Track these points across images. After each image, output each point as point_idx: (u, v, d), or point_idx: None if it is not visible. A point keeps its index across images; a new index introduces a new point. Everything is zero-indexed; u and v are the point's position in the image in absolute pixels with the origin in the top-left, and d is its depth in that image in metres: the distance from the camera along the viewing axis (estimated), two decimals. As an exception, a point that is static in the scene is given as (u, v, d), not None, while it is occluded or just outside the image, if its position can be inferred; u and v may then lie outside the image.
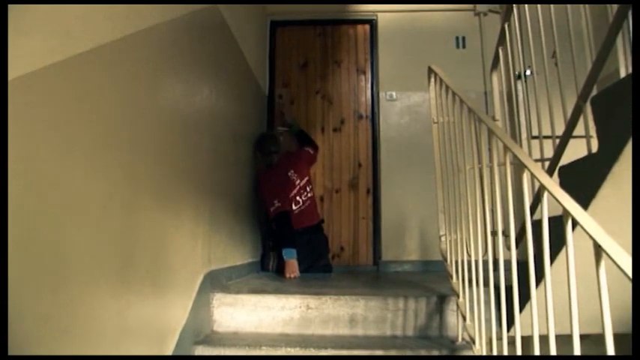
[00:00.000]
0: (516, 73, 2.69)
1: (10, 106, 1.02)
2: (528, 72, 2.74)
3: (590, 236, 1.13)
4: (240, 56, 3.51)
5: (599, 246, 1.08)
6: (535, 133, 2.38)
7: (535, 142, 2.37)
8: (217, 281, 2.73)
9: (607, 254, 1.06)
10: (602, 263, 1.09)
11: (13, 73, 1.02)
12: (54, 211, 1.24)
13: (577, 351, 1.26)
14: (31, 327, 1.15)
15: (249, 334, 2.51)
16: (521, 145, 2.52)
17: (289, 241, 3.72)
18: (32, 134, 1.14)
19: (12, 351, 1.07)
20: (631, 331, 1.05)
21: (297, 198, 4.07)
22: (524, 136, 2.79)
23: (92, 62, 1.40)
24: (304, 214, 4.06)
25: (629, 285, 1.01)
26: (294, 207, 3.99)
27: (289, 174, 4.07)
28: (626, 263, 1.00)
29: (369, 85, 4.79)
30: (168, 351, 2.03)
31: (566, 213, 1.26)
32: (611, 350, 1.11)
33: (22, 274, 1.10)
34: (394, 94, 4.69)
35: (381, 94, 4.71)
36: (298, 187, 4.10)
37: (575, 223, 1.24)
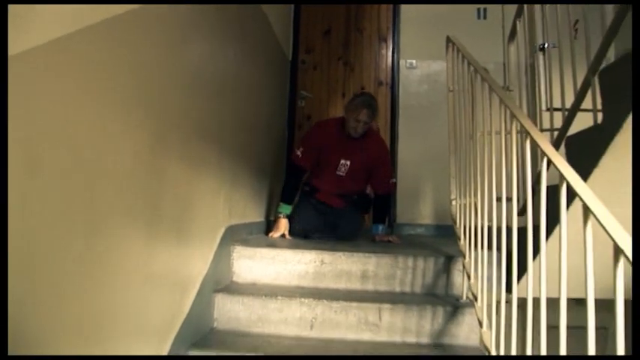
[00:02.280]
0: (536, 45, 2.69)
1: (50, 68, 1.10)
2: (548, 44, 2.73)
3: (579, 196, 1.18)
4: (265, 21, 3.53)
5: (587, 207, 1.13)
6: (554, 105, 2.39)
7: (555, 113, 2.37)
8: (237, 235, 2.82)
9: (594, 215, 1.11)
10: (589, 224, 1.14)
11: (45, 38, 1.09)
12: (89, 163, 1.31)
13: (563, 313, 1.31)
14: (67, 265, 1.24)
15: (267, 285, 2.61)
16: (540, 117, 2.54)
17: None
18: (68, 94, 1.21)
19: (48, 291, 1.17)
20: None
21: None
22: (543, 107, 2.79)
23: (128, 25, 1.46)
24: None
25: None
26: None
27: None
28: (612, 225, 1.05)
29: (390, 53, 4.77)
30: (190, 297, 2.12)
31: (561, 177, 1.30)
32: (592, 312, 1.16)
33: (58, 217, 1.19)
34: (414, 62, 4.67)
35: (402, 62, 4.70)
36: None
37: (569, 189, 1.28)
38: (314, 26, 4.79)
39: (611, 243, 1.03)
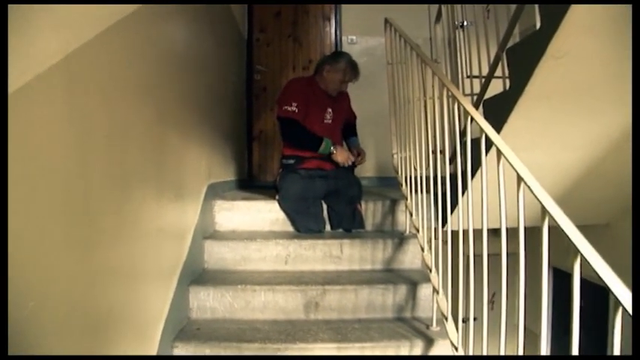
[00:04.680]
0: (457, 23, 2.93)
1: (92, 66, 1.28)
2: (467, 23, 2.97)
3: (494, 143, 1.46)
4: (227, 8, 3.66)
5: (500, 151, 1.42)
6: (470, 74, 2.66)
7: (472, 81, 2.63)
8: (217, 192, 3.01)
9: (504, 156, 1.40)
10: (501, 163, 1.43)
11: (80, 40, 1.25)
12: (120, 132, 1.49)
13: (485, 240, 1.59)
14: (104, 218, 1.39)
15: (245, 231, 2.83)
16: (461, 83, 2.80)
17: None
18: (104, 84, 1.39)
19: (102, 238, 1.37)
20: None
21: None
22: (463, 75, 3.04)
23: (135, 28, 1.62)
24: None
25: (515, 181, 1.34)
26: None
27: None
28: (516, 162, 1.34)
29: (333, 30, 4.94)
30: (187, 244, 2.31)
31: (481, 130, 1.59)
32: (504, 229, 1.45)
33: (101, 178, 1.38)
34: (354, 38, 4.87)
35: (344, 38, 4.89)
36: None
37: (487, 139, 1.57)
38: (266, 9, 4.87)
39: (515, 175, 1.32)
